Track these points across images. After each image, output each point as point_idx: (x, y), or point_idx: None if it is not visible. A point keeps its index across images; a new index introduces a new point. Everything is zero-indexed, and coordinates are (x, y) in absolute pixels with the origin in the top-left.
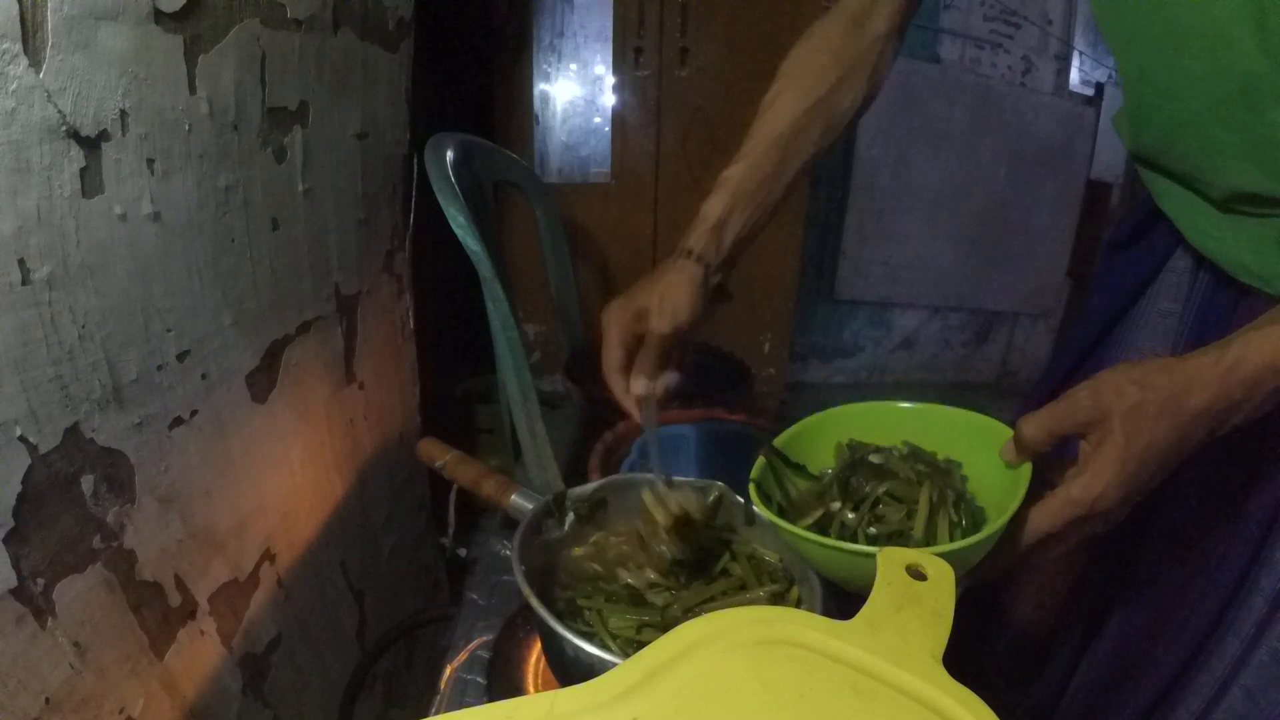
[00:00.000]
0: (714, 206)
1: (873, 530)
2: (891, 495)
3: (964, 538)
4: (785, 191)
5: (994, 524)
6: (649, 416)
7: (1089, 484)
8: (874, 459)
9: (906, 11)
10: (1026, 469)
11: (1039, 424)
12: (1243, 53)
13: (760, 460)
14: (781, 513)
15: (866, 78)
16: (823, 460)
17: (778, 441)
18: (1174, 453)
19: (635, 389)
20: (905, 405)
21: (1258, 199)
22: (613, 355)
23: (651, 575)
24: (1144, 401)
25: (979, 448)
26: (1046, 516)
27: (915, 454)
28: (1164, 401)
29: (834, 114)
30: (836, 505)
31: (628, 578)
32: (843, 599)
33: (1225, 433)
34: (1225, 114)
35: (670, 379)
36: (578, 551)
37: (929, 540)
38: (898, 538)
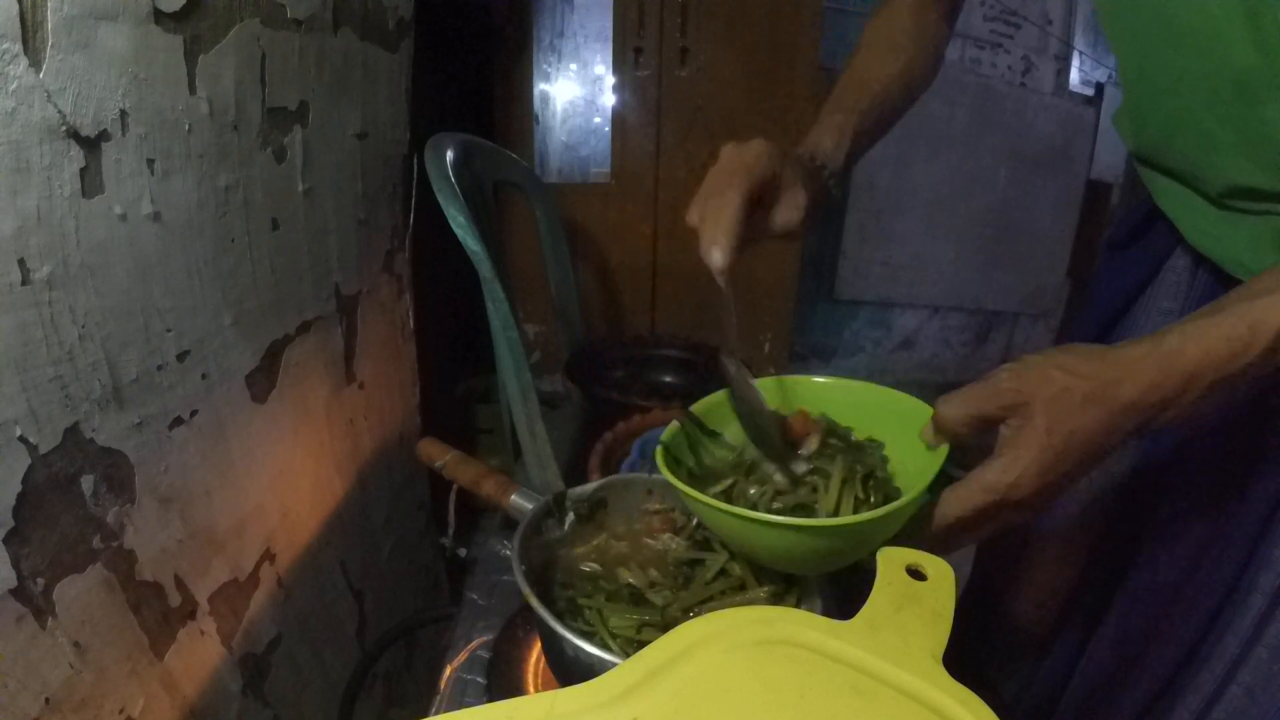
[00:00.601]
0: (828, 138)
1: (777, 505)
2: None
3: None
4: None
5: (891, 504)
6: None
7: (1003, 470)
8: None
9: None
10: (943, 451)
11: (957, 405)
12: (1237, 49)
13: (674, 425)
14: (694, 480)
15: (935, 50)
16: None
17: (696, 408)
18: (1099, 444)
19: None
20: (830, 380)
21: (1254, 194)
22: (735, 193)
23: (654, 574)
24: (1070, 388)
25: (905, 429)
26: (958, 501)
27: (831, 429)
28: (1092, 390)
29: (913, 80)
30: (745, 475)
31: (629, 577)
32: (843, 599)
33: (1158, 429)
34: (1221, 110)
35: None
36: (578, 551)
37: (835, 515)
38: (803, 510)
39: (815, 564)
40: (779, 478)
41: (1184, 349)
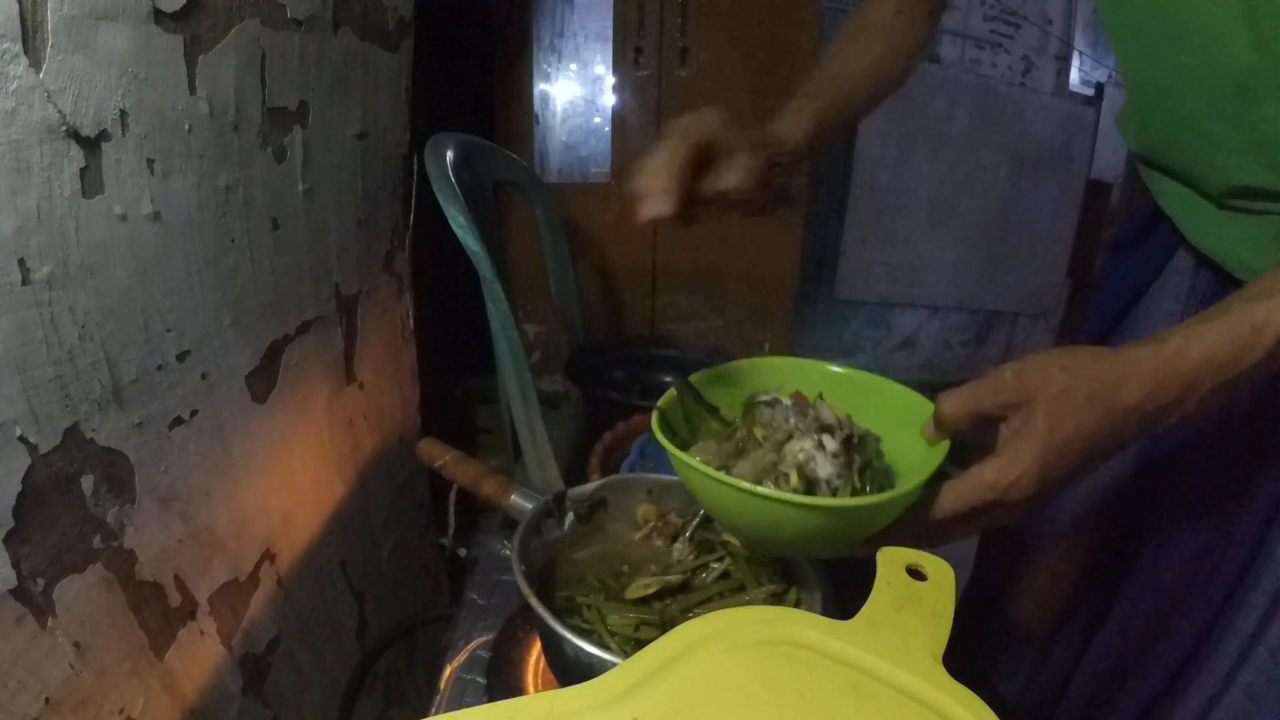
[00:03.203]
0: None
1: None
2: None
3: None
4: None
5: (889, 493)
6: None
7: (1003, 468)
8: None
9: None
10: (943, 447)
11: (958, 402)
12: (1236, 48)
13: (670, 393)
14: (684, 448)
15: (914, 48)
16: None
17: (695, 378)
18: (1100, 446)
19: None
20: (834, 368)
21: (1256, 193)
22: (675, 142)
23: (669, 579)
24: (1071, 389)
25: (906, 423)
26: (955, 497)
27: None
28: (1094, 391)
29: (886, 76)
30: (735, 455)
31: (642, 591)
32: (843, 599)
33: (1159, 431)
34: (1221, 109)
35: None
36: (578, 551)
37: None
38: (782, 483)
39: (802, 545)
40: (772, 458)
41: (1186, 351)
